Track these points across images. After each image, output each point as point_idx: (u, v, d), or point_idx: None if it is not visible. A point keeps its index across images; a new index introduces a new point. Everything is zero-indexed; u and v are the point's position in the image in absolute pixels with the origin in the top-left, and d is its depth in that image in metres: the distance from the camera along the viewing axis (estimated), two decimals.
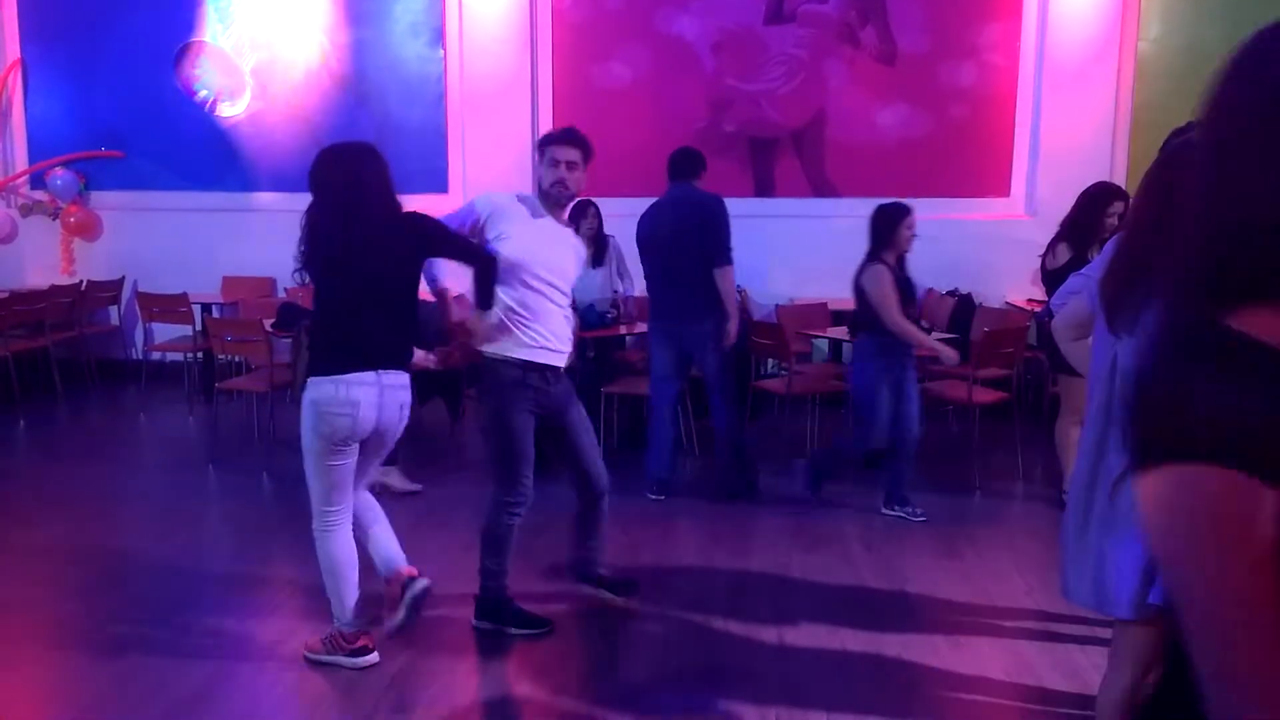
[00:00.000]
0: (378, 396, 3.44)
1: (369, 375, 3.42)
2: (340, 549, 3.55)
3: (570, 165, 3.79)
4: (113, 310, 8.50)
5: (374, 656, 3.58)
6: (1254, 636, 0.88)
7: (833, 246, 7.89)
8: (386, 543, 3.69)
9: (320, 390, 3.41)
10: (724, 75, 7.89)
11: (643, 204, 5.35)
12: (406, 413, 3.60)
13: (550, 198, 3.84)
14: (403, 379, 3.54)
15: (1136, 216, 2.53)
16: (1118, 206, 4.93)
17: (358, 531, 3.65)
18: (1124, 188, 6.92)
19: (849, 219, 7.94)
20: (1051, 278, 5.01)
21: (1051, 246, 5.08)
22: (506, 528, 3.84)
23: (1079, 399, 4.52)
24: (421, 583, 3.58)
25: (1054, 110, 7.55)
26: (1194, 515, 0.89)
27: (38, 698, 3.52)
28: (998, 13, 7.65)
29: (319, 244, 3.44)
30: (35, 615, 4.08)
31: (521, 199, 3.87)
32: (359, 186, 3.42)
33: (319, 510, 3.54)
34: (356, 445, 3.50)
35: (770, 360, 7.23)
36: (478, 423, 4.60)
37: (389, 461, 5.50)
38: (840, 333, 6.42)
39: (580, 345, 5.71)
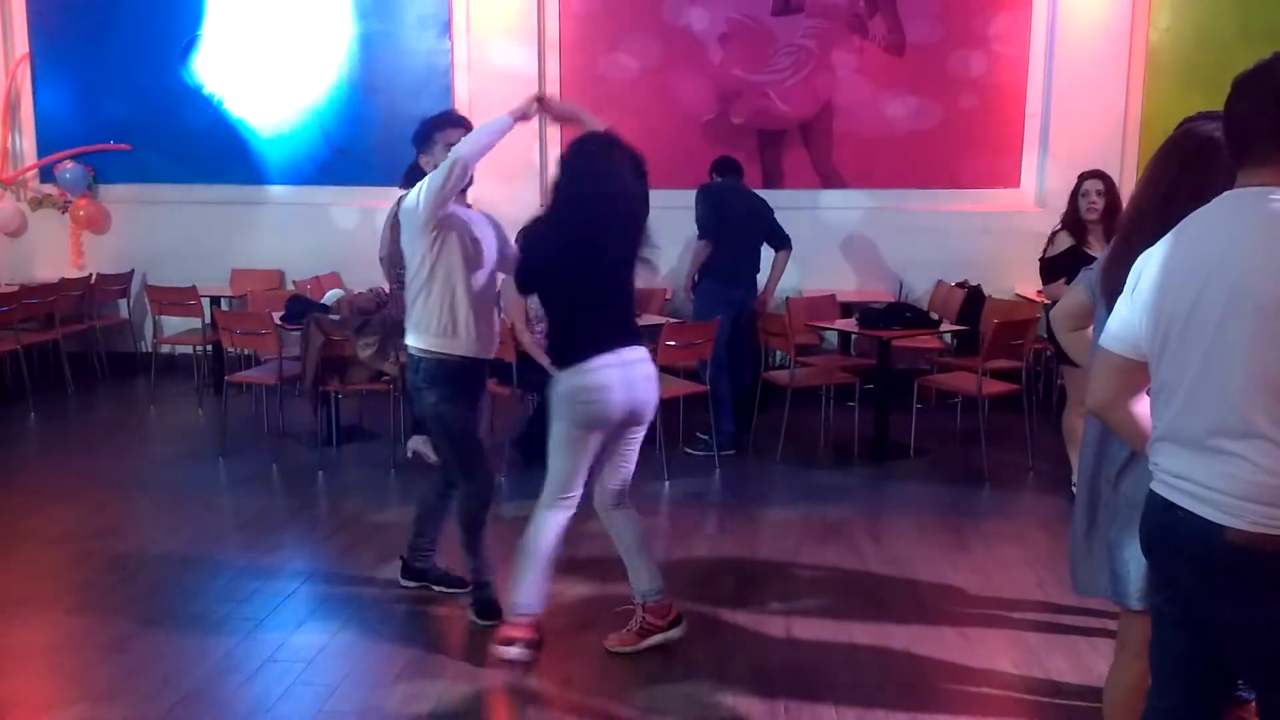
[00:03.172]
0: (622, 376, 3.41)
1: (610, 357, 3.40)
2: (553, 536, 3.54)
3: None
4: (122, 303, 8.52)
5: (516, 651, 3.55)
6: None
7: (841, 238, 7.89)
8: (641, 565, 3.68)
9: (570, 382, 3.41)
10: (732, 66, 7.86)
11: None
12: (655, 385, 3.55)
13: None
14: (641, 353, 3.51)
15: (1139, 204, 2.51)
16: (1090, 184, 5.04)
17: (619, 544, 3.68)
18: (1134, 176, 6.88)
19: (857, 210, 7.94)
20: (1048, 266, 5.07)
21: (1051, 238, 5.15)
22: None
23: (1083, 390, 4.51)
24: (677, 631, 3.66)
25: (1064, 101, 7.51)
26: None
27: (48, 687, 3.54)
28: (1007, 2, 7.61)
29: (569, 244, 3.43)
30: (45, 606, 4.09)
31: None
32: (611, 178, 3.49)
33: (555, 494, 3.52)
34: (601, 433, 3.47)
35: (779, 352, 7.22)
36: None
37: (424, 430, 5.56)
38: (849, 324, 6.39)
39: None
